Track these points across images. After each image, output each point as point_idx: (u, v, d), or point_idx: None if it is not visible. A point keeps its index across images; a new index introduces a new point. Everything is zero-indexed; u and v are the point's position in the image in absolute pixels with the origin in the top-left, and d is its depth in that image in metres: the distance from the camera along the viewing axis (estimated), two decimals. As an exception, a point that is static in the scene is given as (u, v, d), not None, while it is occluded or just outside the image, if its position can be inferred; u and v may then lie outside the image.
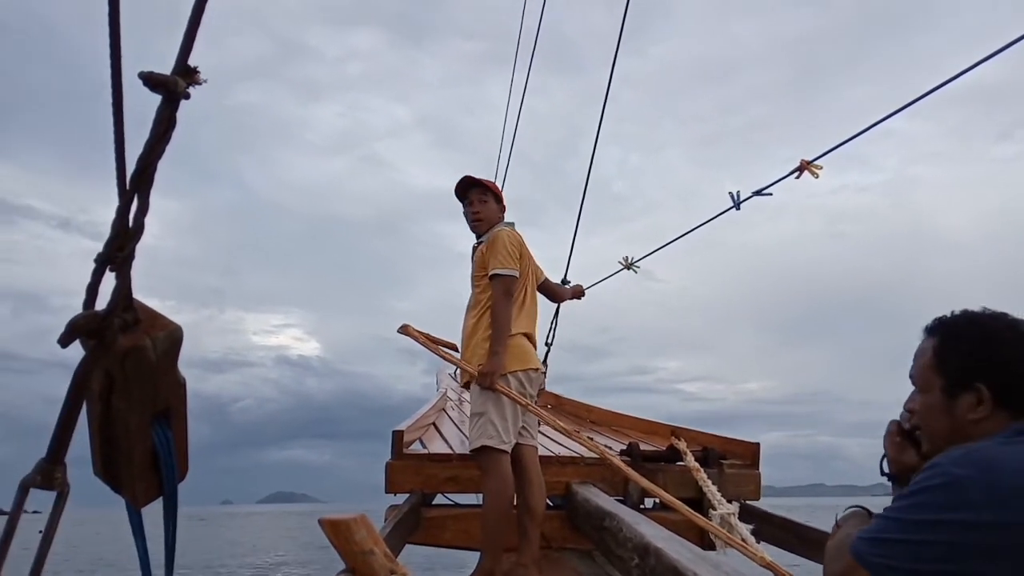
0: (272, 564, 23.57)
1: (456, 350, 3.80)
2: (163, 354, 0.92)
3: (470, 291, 3.67)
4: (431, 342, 3.79)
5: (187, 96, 0.81)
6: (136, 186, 0.83)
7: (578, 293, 4.59)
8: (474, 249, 3.69)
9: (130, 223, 0.84)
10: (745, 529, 3.47)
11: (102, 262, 0.84)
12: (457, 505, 4.13)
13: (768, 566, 2.68)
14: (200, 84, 0.81)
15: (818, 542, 3.33)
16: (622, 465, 3.57)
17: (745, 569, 2.33)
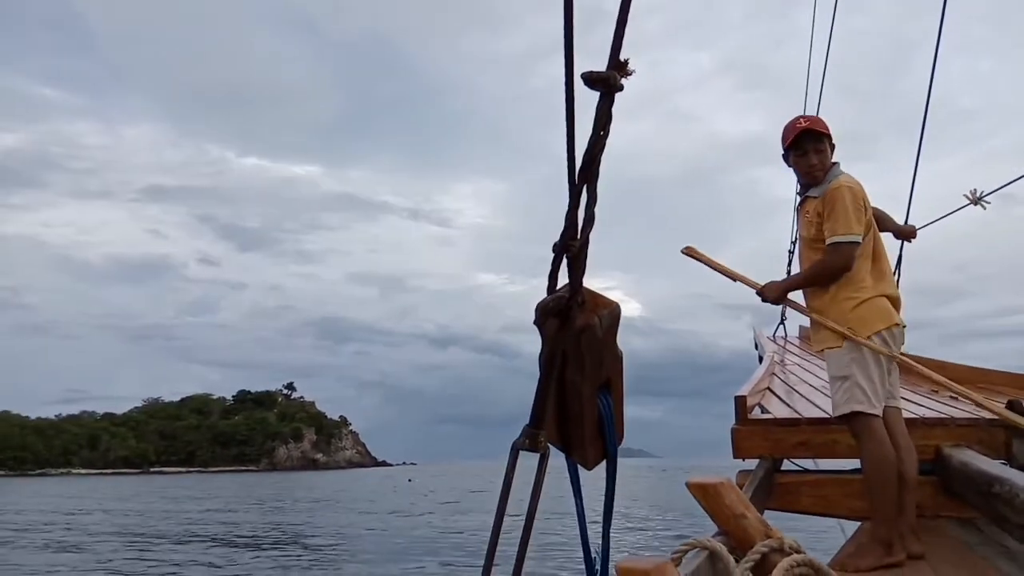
0: (642, 517, 25.07)
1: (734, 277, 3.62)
2: (607, 330, 1.05)
3: (795, 243, 3.44)
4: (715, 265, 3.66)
5: (621, 88, 0.88)
6: (584, 179, 0.91)
7: (909, 234, 4.12)
8: (803, 200, 3.41)
9: (580, 216, 0.94)
10: None
11: (559, 251, 0.95)
12: (808, 471, 3.97)
13: None
14: (631, 75, 0.88)
15: None
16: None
17: None
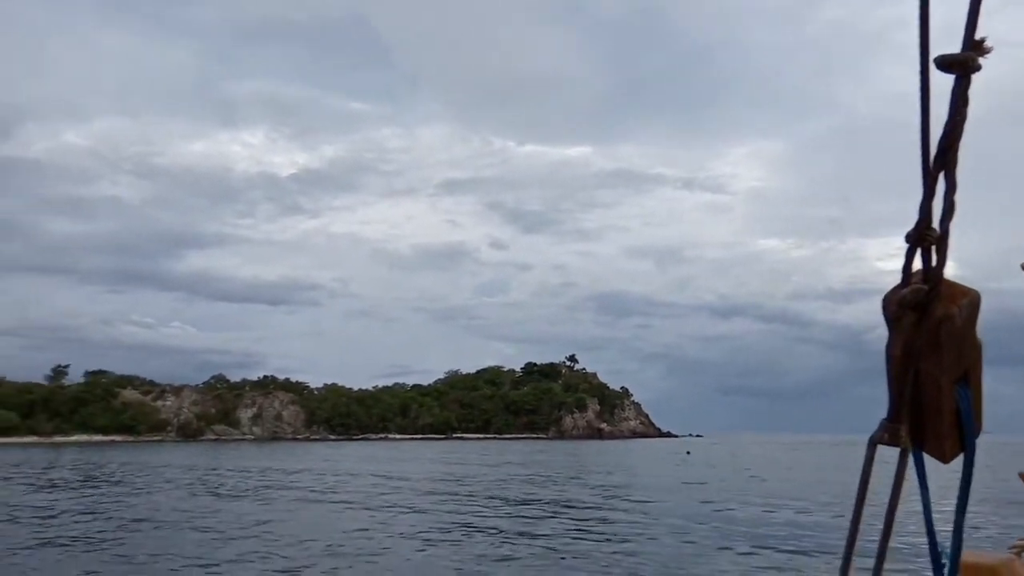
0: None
1: None
2: (967, 320, 1.00)
3: None
4: None
5: (979, 69, 0.84)
6: (941, 165, 0.88)
7: None
8: None
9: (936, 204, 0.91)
10: None
11: (913, 242, 0.94)
12: None
13: None
14: (988, 53, 0.84)
15: None
16: None
17: None
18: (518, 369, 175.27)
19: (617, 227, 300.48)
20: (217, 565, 13.60)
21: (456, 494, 27.44)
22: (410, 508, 22.67)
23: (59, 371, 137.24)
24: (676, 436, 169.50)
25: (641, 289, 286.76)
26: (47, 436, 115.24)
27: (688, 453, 75.24)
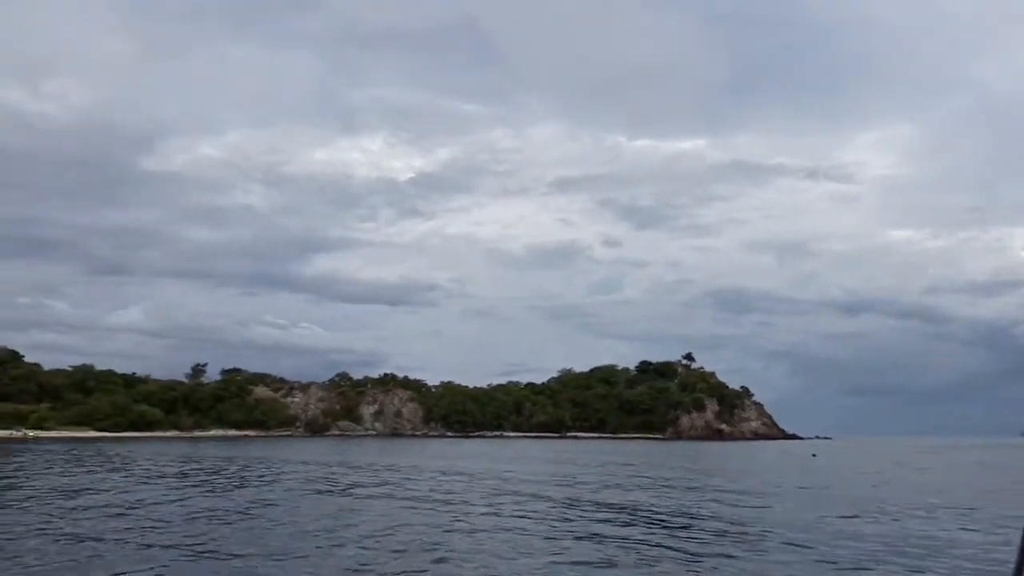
0: None
1: None
2: None
3: None
4: None
5: None
6: None
7: None
8: None
9: None
10: None
11: None
12: None
13: None
14: None
15: None
16: None
17: None
18: (632, 368, 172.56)
19: (736, 221, 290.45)
20: (342, 546, 13.58)
21: (576, 499, 26.74)
22: (544, 515, 22.17)
23: (198, 370, 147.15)
24: (802, 438, 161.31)
25: (761, 285, 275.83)
26: (188, 431, 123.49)
27: (814, 455, 71.36)
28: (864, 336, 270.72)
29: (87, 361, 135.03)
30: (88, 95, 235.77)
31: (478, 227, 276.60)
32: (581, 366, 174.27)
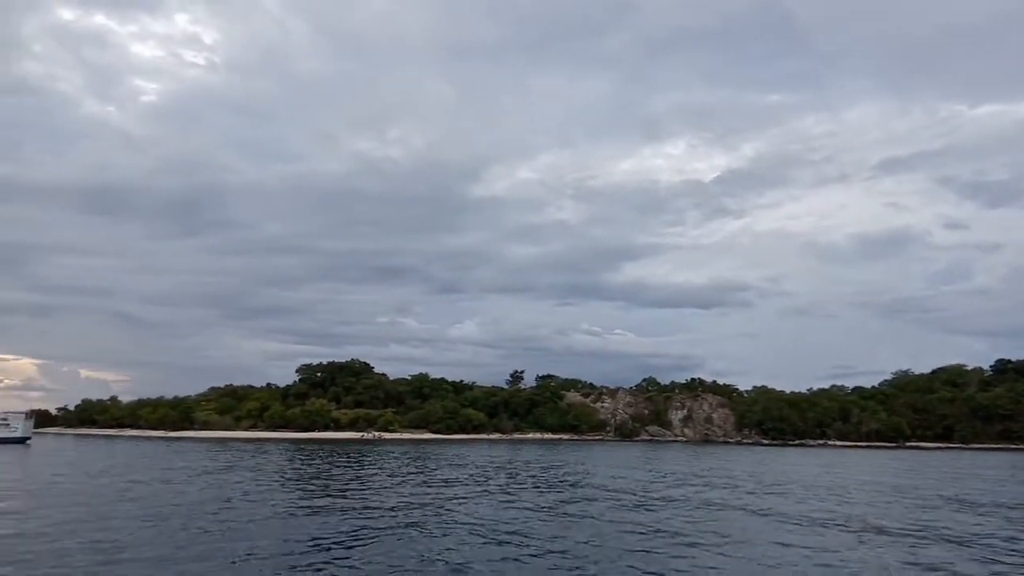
0: None
1: None
2: None
3: None
4: None
5: None
6: None
7: None
8: None
9: None
10: None
11: None
12: None
13: None
14: None
15: None
16: None
17: None
18: (986, 367, 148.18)
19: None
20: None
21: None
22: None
23: (516, 376, 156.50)
24: None
25: None
26: (508, 433, 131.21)
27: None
28: None
29: (428, 371, 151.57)
30: (423, 137, 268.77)
31: (791, 221, 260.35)
32: (921, 367, 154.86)
